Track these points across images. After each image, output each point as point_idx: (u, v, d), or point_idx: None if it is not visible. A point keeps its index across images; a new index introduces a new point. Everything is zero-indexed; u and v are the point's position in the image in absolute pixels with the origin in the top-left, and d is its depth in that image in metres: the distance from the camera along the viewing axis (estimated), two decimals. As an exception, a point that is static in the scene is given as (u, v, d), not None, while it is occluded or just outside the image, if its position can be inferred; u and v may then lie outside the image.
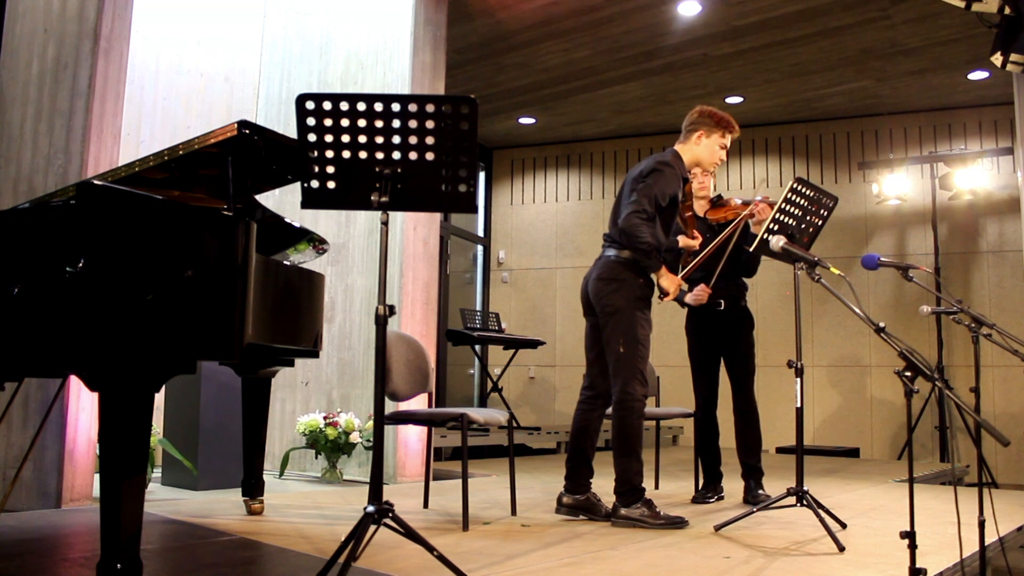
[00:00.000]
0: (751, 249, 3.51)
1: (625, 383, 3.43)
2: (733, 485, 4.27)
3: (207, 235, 2.17)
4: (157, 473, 4.59)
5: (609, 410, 3.58)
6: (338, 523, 3.37)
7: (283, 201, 5.13)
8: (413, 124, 2.40)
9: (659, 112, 8.40)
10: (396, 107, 2.38)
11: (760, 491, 4.08)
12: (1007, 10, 4.64)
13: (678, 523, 3.35)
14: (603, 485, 3.55)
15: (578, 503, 3.54)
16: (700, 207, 4.27)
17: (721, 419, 4.24)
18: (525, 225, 9.61)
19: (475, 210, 3.95)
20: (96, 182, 2.40)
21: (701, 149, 3.66)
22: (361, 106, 2.38)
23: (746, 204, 4.10)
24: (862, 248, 8.12)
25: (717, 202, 4.27)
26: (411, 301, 4.98)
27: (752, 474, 4.13)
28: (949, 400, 6.24)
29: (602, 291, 3.52)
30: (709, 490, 4.22)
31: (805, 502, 3.22)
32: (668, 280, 3.51)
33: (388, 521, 2.35)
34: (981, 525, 2.50)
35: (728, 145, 3.72)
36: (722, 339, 4.22)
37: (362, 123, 2.40)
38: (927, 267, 5.78)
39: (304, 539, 3.00)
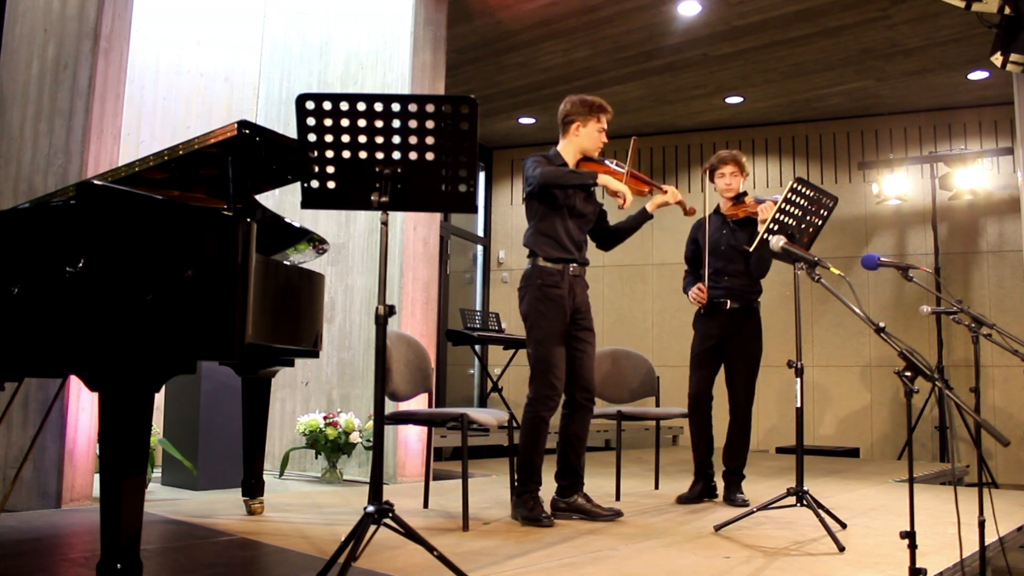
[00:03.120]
0: (751, 249, 3.51)
1: (530, 387, 3.51)
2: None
3: (207, 235, 2.17)
4: (157, 473, 4.59)
5: (595, 413, 3.70)
6: (338, 523, 3.37)
7: (283, 201, 5.13)
8: (413, 124, 2.40)
9: (659, 112, 8.40)
10: (396, 107, 2.38)
11: (739, 494, 4.08)
12: (1007, 10, 4.64)
13: (543, 522, 3.37)
14: (602, 486, 3.55)
15: (570, 506, 3.57)
16: (724, 205, 4.25)
17: (721, 420, 4.22)
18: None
19: (475, 210, 3.95)
20: (96, 182, 2.40)
21: (582, 139, 3.66)
22: (361, 106, 2.38)
23: (759, 203, 4.07)
24: (862, 248, 8.12)
25: (736, 200, 4.24)
26: (411, 301, 4.98)
27: (734, 478, 4.13)
28: (949, 400, 6.24)
29: (519, 302, 3.63)
30: (694, 489, 4.17)
31: (805, 502, 3.22)
32: (612, 180, 3.49)
33: (388, 521, 2.35)
34: (981, 525, 2.50)
35: (606, 127, 3.69)
36: (725, 338, 4.15)
37: (362, 123, 2.40)
38: (927, 267, 5.78)
39: (304, 539, 3.00)
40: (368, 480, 4.01)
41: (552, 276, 3.53)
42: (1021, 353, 2.76)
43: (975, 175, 7.45)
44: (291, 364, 3.53)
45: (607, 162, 3.69)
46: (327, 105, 2.38)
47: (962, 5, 4.70)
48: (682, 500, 4.13)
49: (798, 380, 3.30)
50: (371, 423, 4.76)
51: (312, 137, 2.41)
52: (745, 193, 4.25)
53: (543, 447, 3.52)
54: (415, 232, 5.06)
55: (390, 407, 3.65)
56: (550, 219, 3.58)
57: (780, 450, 7.62)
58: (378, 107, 2.38)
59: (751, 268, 4.16)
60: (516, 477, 3.53)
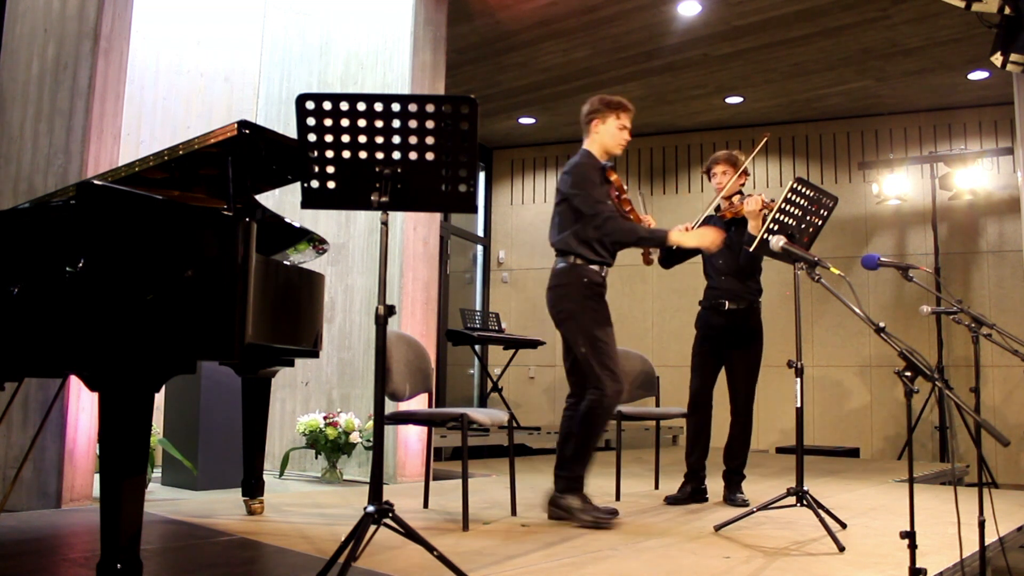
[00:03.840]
0: (751, 249, 3.50)
1: (597, 380, 3.45)
2: (715, 485, 4.25)
3: (207, 235, 2.17)
4: (157, 473, 4.59)
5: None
6: (338, 523, 3.37)
7: (283, 201, 5.13)
8: (413, 124, 2.40)
9: (659, 112, 8.40)
10: (396, 107, 2.38)
11: (739, 494, 4.08)
12: (1007, 10, 4.64)
13: (603, 523, 3.34)
14: (602, 486, 3.55)
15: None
16: (724, 205, 4.25)
17: (722, 420, 4.22)
18: (525, 225, 9.61)
19: (475, 210, 3.96)
20: (96, 182, 2.40)
21: (602, 136, 3.67)
22: (361, 106, 2.38)
23: (742, 202, 4.09)
24: (862, 248, 8.12)
25: (730, 200, 4.24)
26: (411, 301, 4.98)
27: (734, 478, 4.13)
28: (949, 400, 6.24)
29: (551, 300, 3.60)
30: (683, 490, 4.15)
31: (805, 502, 3.22)
32: (688, 235, 3.57)
33: (388, 521, 2.35)
34: (981, 525, 2.50)
35: (628, 125, 3.71)
36: (726, 338, 4.15)
37: (362, 123, 2.40)
38: (927, 267, 5.78)
39: (304, 539, 3.00)
40: (368, 480, 4.01)
41: (596, 275, 3.55)
42: (1021, 353, 2.76)
43: (975, 175, 7.45)
44: (291, 364, 3.53)
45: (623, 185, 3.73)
46: (327, 105, 2.38)
47: (962, 5, 4.70)
48: (670, 501, 4.11)
49: (798, 380, 3.30)
50: (371, 423, 4.76)
51: (312, 137, 2.41)
52: (739, 193, 4.25)
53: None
54: (415, 232, 5.06)
55: (390, 407, 3.64)
56: (588, 226, 3.56)
57: (780, 450, 7.62)
58: (378, 107, 2.38)
59: (743, 267, 4.15)
60: (565, 473, 3.47)
